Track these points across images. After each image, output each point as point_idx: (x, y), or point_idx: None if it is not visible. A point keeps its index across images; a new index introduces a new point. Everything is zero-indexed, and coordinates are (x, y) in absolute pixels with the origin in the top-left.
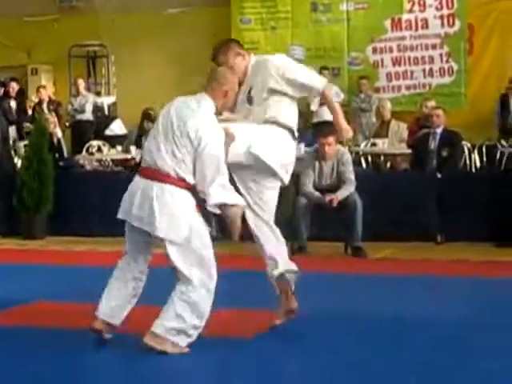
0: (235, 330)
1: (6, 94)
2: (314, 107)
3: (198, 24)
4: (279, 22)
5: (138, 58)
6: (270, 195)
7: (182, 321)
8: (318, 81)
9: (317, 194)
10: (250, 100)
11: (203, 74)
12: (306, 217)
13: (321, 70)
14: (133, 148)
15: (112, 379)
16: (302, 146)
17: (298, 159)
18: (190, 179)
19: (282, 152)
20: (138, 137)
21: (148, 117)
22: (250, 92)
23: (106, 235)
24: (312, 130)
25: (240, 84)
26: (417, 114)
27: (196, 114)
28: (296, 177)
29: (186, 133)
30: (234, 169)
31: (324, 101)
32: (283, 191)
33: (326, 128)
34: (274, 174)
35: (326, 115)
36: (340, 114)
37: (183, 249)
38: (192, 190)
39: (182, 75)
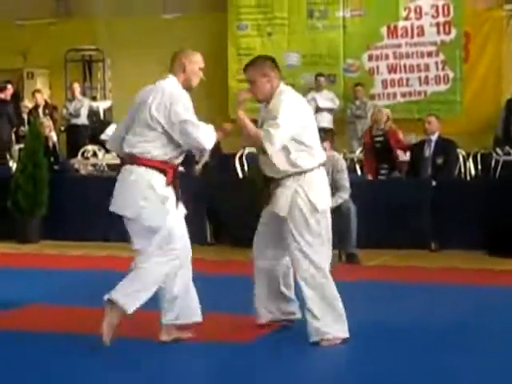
0: (233, 335)
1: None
2: None
3: (195, 29)
4: (275, 28)
5: (134, 62)
6: None
7: (130, 285)
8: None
9: None
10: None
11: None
12: None
13: (316, 77)
14: None
15: None
16: None
17: None
18: (157, 155)
19: None
20: None
21: None
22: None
23: (100, 239)
24: None
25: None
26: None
27: (156, 89)
28: None
29: (149, 108)
30: None
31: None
32: None
33: (321, 134)
34: None
35: (322, 122)
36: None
37: (135, 222)
38: (162, 166)
39: None
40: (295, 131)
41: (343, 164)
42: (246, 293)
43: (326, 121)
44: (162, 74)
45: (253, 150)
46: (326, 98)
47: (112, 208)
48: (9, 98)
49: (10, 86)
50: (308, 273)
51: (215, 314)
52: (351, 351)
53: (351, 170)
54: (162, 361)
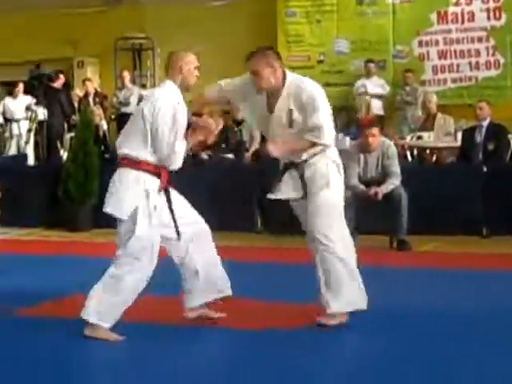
0: (280, 323)
1: (50, 88)
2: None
3: (244, 17)
4: (324, 14)
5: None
6: None
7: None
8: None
9: (362, 187)
10: (291, 123)
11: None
12: (351, 210)
13: (366, 63)
14: None
15: (152, 371)
16: (347, 139)
17: (343, 152)
18: (147, 158)
19: None
20: None
21: None
22: (291, 114)
23: None
24: (357, 124)
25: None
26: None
27: (151, 94)
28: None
29: (141, 110)
30: None
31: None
32: None
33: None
34: None
35: (372, 108)
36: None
37: (122, 227)
38: (155, 170)
39: (227, 68)
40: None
41: (394, 150)
42: (297, 280)
43: (376, 107)
44: (211, 62)
45: None
46: (376, 85)
47: None
48: (61, 87)
49: (61, 76)
50: None
51: (265, 302)
52: (398, 339)
53: (402, 157)
54: (212, 348)
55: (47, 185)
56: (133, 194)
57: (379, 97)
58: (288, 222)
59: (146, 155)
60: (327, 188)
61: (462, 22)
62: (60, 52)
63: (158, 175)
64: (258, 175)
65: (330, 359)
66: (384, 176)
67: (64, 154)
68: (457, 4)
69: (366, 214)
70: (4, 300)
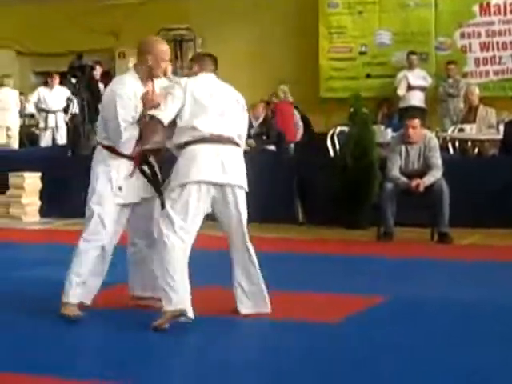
0: (323, 314)
1: (92, 78)
2: (400, 92)
3: (285, 8)
4: (366, 6)
5: (225, 41)
6: None
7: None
8: None
9: (403, 179)
10: None
11: (288, 58)
12: (393, 202)
13: (409, 55)
14: None
15: (205, 361)
16: (389, 130)
17: (385, 144)
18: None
19: None
20: None
21: None
22: None
23: None
24: (398, 115)
25: None
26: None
27: (112, 85)
28: (384, 162)
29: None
30: None
31: None
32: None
33: (413, 112)
34: None
35: (413, 100)
36: None
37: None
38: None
39: (268, 59)
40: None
41: (436, 143)
42: (337, 272)
43: (418, 99)
44: (251, 53)
45: (344, 128)
46: (418, 76)
47: None
48: (100, 77)
49: (99, 67)
50: None
51: (307, 293)
52: (441, 332)
53: (443, 149)
54: (263, 341)
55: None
56: (98, 173)
57: (421, 89)
58: (330, 213)
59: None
60: None
61: (505, 14)
62: (102, 43)
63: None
64: (298, 166)
65: (381, 348)
66: (426, 168)
67: None
68: None
69: (408, 206)
70: (53, 291)
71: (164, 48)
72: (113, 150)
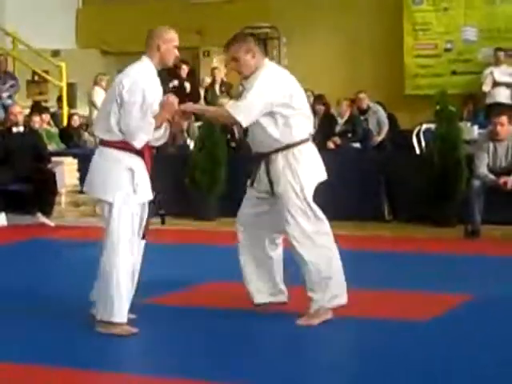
0: (411, 313)
1: (177, 76)
2: (486, 88)
3: (370, 5)
4: (452, 2)
5: (310, 39)
6: None
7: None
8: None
9: (491, 176)
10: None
11: (374, 55)
12: (480, 200)
13: (496, 51)
14: None
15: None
16: (475, 128)
17: (471, 141)
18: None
19: None
20: None
21: (319, 99)
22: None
23: None
24: (485, 112)
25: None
26: None
27: (126, 73)
28: (470, 159)
29: (114, 90)
30: None
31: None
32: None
33: (500, 109)
34: None
35: (498, 96)
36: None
37: (107, 208)
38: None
39: (354, 57)
40: (268, 106)
41: None
42: (424, 270)
43: (504, 96)
44: (335, 50)
45: (430, 126)
46: (505, 73)
47: None
48: (186, 76)
49: (185, 66)
50: None
51: (393, 291)
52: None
53: None
54: (340, 337)
55: (174, 174)
56: (112, 173)
57: (507, 85)
58: (417, 210)
59: (115, 134)
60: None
61: None
62: (186, 41)
63: (140, 154)
64: (385, 164)
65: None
66: None
67: (190, 143)
68: None
69: (496, 203)
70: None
71: (173, 35)
72: (117, 146)
